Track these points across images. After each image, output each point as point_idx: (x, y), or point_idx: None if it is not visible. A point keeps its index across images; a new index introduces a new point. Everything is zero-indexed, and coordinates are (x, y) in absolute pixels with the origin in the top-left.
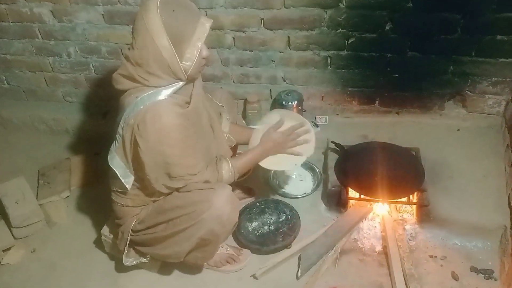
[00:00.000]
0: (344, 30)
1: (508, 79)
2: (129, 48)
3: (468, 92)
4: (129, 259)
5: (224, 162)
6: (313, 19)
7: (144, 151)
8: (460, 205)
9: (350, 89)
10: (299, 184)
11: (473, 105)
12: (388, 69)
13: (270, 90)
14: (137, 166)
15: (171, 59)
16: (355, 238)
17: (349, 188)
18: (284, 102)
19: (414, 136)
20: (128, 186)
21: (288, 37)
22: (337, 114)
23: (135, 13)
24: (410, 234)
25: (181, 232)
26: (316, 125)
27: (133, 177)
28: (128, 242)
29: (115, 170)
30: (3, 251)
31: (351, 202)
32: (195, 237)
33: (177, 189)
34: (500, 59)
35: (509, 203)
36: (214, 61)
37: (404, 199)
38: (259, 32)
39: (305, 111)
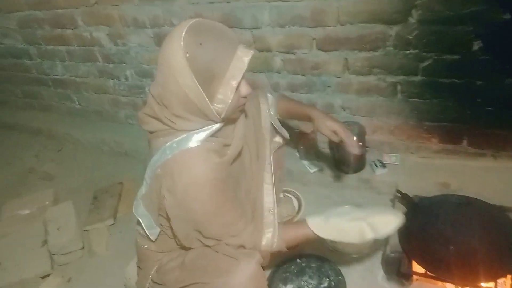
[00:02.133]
0: (416, 51)
1: None
2: (153, 84)
3: None
4: None
5: (270, 228)
6: (375, 38)
7: (171, 207)
8: None
9: (427, 123)
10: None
11: None
12: (478, 100)
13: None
14: (165, 218)
15: (199, 100)
16: None
17: (412, 258)
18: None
19: None
20: (153, 238)
21: (346, 59)
22: (412, 153)
23: None
24: None
25: None
26: (383, 165)
27: (159, 230)
28: None
29: (140, 220)
30: (42, 277)
31: (416, 277)
32: None
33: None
34: None
35: None
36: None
37: (490, 285)
38: (311, 53)
39: (368, 147)
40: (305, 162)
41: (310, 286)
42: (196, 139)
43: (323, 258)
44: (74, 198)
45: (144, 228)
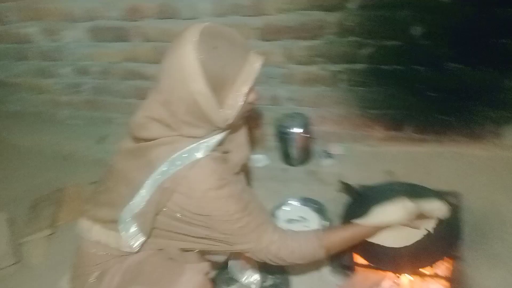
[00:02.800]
0: (357, 38)
1: None
2: (155, 89)
3: None
4: None
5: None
6: (316, 26)
7: (190, 215)
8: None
9: (371, 111)
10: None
11: None
12: (421, 86)
13: (273, 112)
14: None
15: (208, 107)
16: None
17: (353, 251)
18: (284, 129)
19: (457, 174)
20: (135, 249)
21: (288, 48)
22: (357, 142)
23: (169, 47)
24: None
25: None
26: (329, 156)
27: (144, 239)
28: None
29: (128, 241)
30: None
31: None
32: None
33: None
34: None
35: None
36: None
37: (427, 271)
38: (253, 44)
39: (313, 138)
40: (253, 157)
41: (254, 286)
42: (205, 148)
43: None
44: (10, 209)
45: (129, 240)
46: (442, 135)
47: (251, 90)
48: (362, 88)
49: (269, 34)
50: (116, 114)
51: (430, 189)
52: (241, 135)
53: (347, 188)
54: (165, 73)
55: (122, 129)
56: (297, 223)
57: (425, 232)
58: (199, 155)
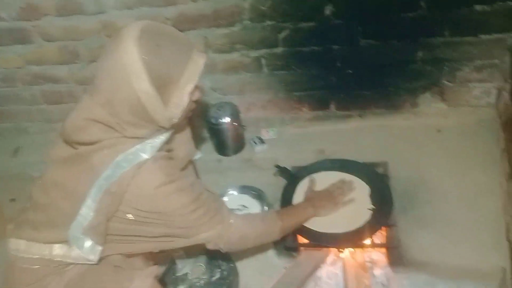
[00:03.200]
0: (273, 22)
1: (496, 60)
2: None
3: (447, 82)
4: None
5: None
6: (231, 12)
7: (144, 213)
8: (442, 240)
9: (296, 93)
10: None
11: (455, 98)
12: (339, 64)
13: (200, 104)
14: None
15: (153, 107)
16: None
17: (295, 232)
18: (214, 120)
19: (383, 145)
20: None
21: (205, 37)
22: (287, 125)
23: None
24: (381, 283)
25: None
26: (262, 141)
27: (101, 248)
28: None
29: (86, 256)
30: None
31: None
32: None
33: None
34: (483, 36)
35: (507, 236)
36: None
37: (367, 241)
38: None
39: (243, 126)
40: None
41: (202, 282)
42: (151, 149)
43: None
44: None
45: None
46: (365, 110)
47: (196, 88)
48: (285, 72)
49: (184, 23)
50: (27, 123)
51: (359, 162)
52: (186, 133)
53: (282, 171)
54: (104, 73)
55: (37, 138)
56: (239, 212)
57: (371, 210)
58: (145, 155)
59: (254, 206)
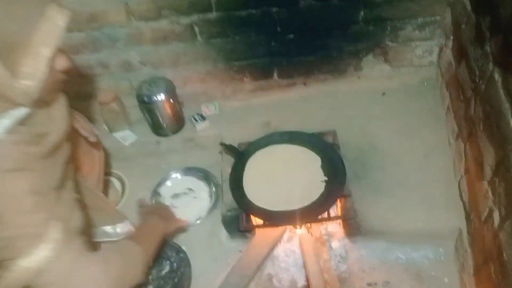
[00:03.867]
0: None
1: (438, 17)
2: None
3: (390, 42)
4: None
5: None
6: None
7: None
8: (397, 205)
9: (236, 63)
10: (192, 204)
11: (398, 58)
12: (279, 29)
13: (130, 81)
14: None
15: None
16: (269, 274)
17: (249, 213)
18: (146, 98)
19: (329, 113)
20: None
21: (126, 3)
22: (229, 98)
23: None
24: (340, 255)
25: None
26: (203, 118)
27: None
28: None
29: None
30: None
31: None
32: None
33: None
34: None
35: (460, 195)
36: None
37: (324, 215)
38: (81, 2)
39: (181, 102)
40: (117, 135)
41: (150, 276)
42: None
43: None
44: None
45: None
46: (308, 77)
47: (58, 55)
48: (221, 39)
49: None
50: None
51: (308, 133)
52: (58, 111)
53: (228, 149)
54: None
55: None
56: (184, 196)
57: (324, 182)
58: None
59: (201, 189)
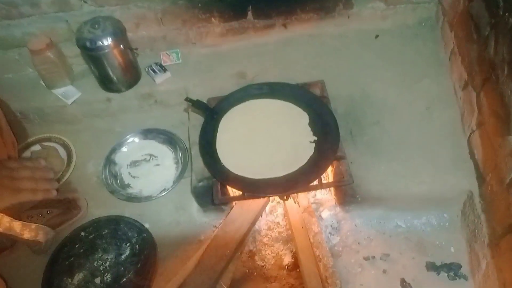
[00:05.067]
0: None
1: None
2: None
3: None
4: None
5: None
6: None
7: None
8: (396, 166)
9: None
10: (155, 172)
11: None
12: None
13: (67, 22)
14: None
15: None
16: (250, 251)
17: (226, 184)
18: (89, 43)
19: (315, 60)
20: None
21: None
22: (194, 44)
23: None
24: (331, 226)
25: None
26: (163, 69)
27: None
28: None
29: None
30: None
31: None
32: None
33: None
34: None
35: (471, 154)
36: None
37: (314, 182)
38: None
39: (135, 50)
40: (57, 92)
41: (107, 263)
42: None
43: (117, 217)
44: None
45: None
46: (289, 16)
47: None
48: None
49: None
50: None
51: (291, 84)
52: None
53: (196, 105)
54: None
55: None
56: (145, 163)
57: (313, 142)
58: None
59: (164, 154)
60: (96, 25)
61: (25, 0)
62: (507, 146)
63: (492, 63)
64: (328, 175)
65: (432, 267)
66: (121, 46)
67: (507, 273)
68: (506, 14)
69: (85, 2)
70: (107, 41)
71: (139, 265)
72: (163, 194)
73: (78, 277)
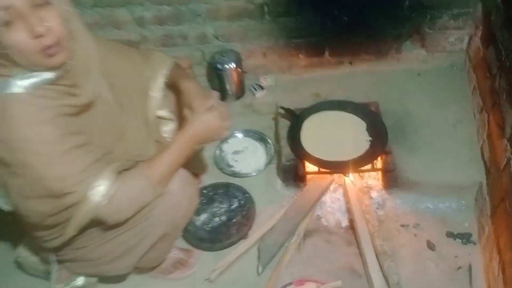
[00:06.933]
0: None
1: (470, 9)
2: None
3: (427, 29)
4: (58, 286)
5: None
6: None
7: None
8: (428, 163)
9: (295, 40)
10: (250, 159)
11: (433, 44)
12: (336, 12)
13: (202, 51)
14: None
15: None
16: (318, 215)
17: (305, 161)
18: (219, 65)
19: (372, 87)
20: (7, 207)
21: None
22: (284, 72)
23: None
24: (378, 203)
25: (129, 237)
26: (261, 88)
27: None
28: (55, 264)
29: None
30: None
31: (309, 176)
32: (149, 238)
33: None
34: None
35: (482, 156)
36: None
37: (368, 167)
38: None
39: (245, 72)
40: None
41: (222, 210)
42: (22, 84)
43: (227, 183)
44: None
45: None
46: (355, 56)
47: (13, 22)
48: (286, 19)
49: None
50: None
51: (355, 102)
52: (95, 77)
53: (287, 112)
54: None
55: None
56: (243, 152)
57: (369, 141)
58: (15, 89)
59: (257, 147)
60: (224, 54)
61: (179, 35)
62: (502, 145)
63: (497, 91)
64: (378, 164)
65: (451, 235)
66: (238, 69)
67: (500, 231)
68: (506, 60)
69: (217, 38)
70: (230, 65)
71: (243, 213)
72: (256, 174)
73: (203, 216)
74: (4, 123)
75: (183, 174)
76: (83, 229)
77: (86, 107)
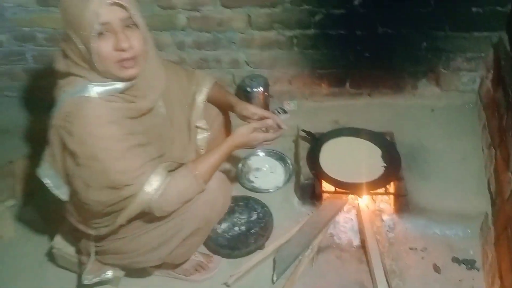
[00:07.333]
0: (310, 6)
1: (482, 54)
2: None
3: (442, 69)
4: (89, 276)
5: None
6: None
7: (72, 154)
8: (438, 191)
9: (318, 71)
10: (270, 176)
11: (447, 83)
12: (358, 47)
13: (233, 75)
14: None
15: (72, 47)
16: (331, 233)
17: (322, 181)
18: (248, 88)
19: (388, 119)
20: (64, 197)
21: (249, 15)
22: (306, 99)
23: None
24: (389, 226)
25: (167, 229)
26: (285, 111)
27: (67, 187)
28: (93, 255)
29: (43, 181)
30: None
31: (325, 195)
32: (184, 231)
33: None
34: (475, 33)
35: (489, 188)
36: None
37: (381, 190)
38: (216, 10)
39: (271, 97)
40: None
41: (242, 221)
42: (96, 90)
43: (248, 197)
44: None
45: (52, 187)
46: (374, 89)
47: (115, 37)
48: (312, 51)
49: (232, 1)
50: None
51: (369, 130)
52: (155, 87)
53: (308, 135)
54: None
55: None
56: (265, 170)
57: (383, 167)
58: (90, 93)
59: (277, 166)
60: (253, 79)
61: (214, 59)
62: (507, 177)
63: (504, 129)
64: (390, 188)
65: (456, 260)
66: (265, 93)
67: (502, 256)
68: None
69: (248, 64)
70: (258, 89)
71: (262, 225)
72: (275, 190)
73: (224, 225)
74: (79, 120)
75: (220, 175)
76: (130, 220)
77: (145, 114)
